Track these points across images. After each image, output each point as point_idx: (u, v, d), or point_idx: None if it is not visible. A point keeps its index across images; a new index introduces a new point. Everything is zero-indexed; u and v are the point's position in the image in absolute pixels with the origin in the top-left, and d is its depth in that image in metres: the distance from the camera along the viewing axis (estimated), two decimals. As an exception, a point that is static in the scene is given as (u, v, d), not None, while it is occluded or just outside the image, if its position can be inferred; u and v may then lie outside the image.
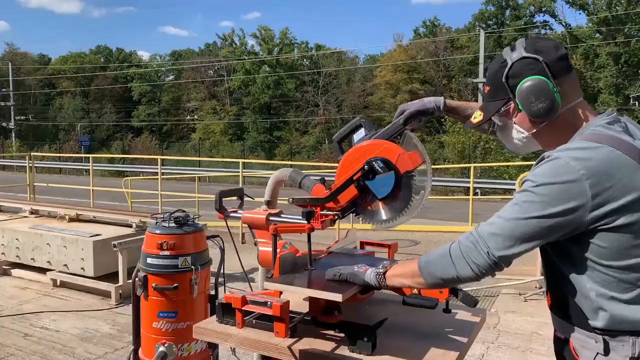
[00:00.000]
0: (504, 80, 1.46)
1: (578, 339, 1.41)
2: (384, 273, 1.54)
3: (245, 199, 2.31)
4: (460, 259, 1.36)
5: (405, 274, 1.50)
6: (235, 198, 2.28)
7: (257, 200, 2.23)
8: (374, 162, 1.68)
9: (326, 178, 1.92)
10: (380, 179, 1.68)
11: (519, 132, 1.50)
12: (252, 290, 2.08)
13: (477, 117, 1.56)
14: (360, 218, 1.81)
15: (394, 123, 1.78)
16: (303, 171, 2.20)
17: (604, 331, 1.34)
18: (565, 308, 1.43)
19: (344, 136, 1.89)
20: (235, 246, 2.24)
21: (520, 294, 5.73)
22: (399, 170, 1.67)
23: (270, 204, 2.16)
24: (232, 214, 2.16)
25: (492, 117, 1.53)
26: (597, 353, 1.36)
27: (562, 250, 1.35)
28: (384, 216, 1.76)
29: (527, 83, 1.41)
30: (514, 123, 1.50)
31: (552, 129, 1.45)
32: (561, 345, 1.51)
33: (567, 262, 1.38)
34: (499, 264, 1.33)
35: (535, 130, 1.47)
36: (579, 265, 1.36)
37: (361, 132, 1.82)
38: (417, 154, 1.69)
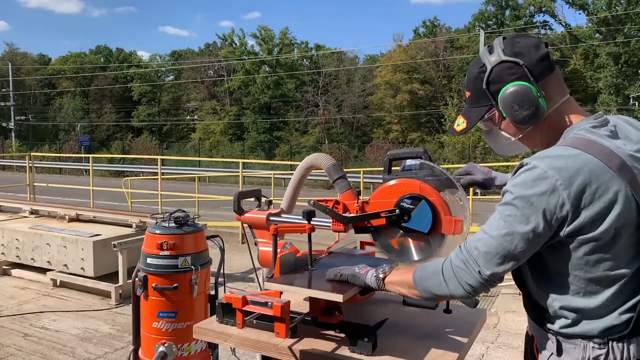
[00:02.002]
0: (484, 87, 1.41)
1: (539, 337, 1.45)
2: (383, 279, 1.54)
3: (263, 199, 2.29)
4: (452, 279, 1.35)
5: (402, 284, 1.49)
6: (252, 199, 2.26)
7: (275, 201, 2.20)
8: (402, 204, 1.65)
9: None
10: (416, 214, 1.64)
11: (505, 138, 1.48)
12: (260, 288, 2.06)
13: (461, 124, 1.51)
14: (376, 246, 1.79)
15: (452, 178, 1.70)
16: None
17: (559, 333, 1.36)
18: (531, 308, 1.46)
19: (399, 157, 1.82)
20: (249, 247, 2.22)
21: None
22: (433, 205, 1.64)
23: (294, 193, 2.13)
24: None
25: (477, 124, 1.49)
26: (552, 353, 1.38)
27: (535, 257, 1.34)
28: (415, 256, 1.73)
29: (509, 90, 1.37)
30: (499, 129, 1.47)
31: (539, 131, 1.42)
32: (529, 342, 1.55)
33: (538, 268, 1.38)
34: (490, 282, 1.33)
35: (521, 135, 1.44)
36: (548, 273, 1.36)
37: (416, 163, 1.74)
38: (461, 223, 1.63)
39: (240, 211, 2.09)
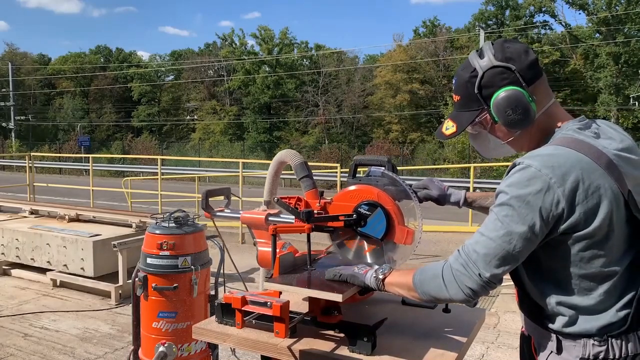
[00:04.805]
0: (476, 91, 1.43)
1: (537, 336, 1.46)
2: (383, 280, 1.54)
3: (232, 198, 2.34)
4: (452, 283, 1.36)
5: (402, 285, 1.50)
6: (222, 197, 2.32)
7: (245, 199, 2.26)
8: (359, 209, 1.73)
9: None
10: (372, 220, 1.71)
11: (494, 141, 1.50)
12: (246, 289, 2.10)
13: (450, 128, 1.52)
14: (332, 245, 1.86)
15: (409, 190, 1.74)
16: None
17: (559, 332, 1.37)
18: (528, 307, 1.47)
19: (364, 163, 1.90)
20: (224, 244, 2.26)
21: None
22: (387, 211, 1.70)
23: (272, 187, 2.18)
24: (218, 214, 2.19)
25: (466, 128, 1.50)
26: (551, 351, 1.40)
27: (529, 256, 1.35)
28: (367, 259, 1.79)
29: (501, 95, 1.38)
30: (489, 132, 1.49)
31: (527, 134, 1.44)
32: (525, 341, 1.56)
33: (533, 266, 1.39)
34: (491, 283, 1.33)
35: (511, 139, 1.46)
36: (543, 271, 1.38)
37: (378, 170, 1.81)
38: (413, 234, 1.69)
39: (208, 209, 2.15)
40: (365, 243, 1.78)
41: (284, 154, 2.13)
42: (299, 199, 1.87)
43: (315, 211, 1.81)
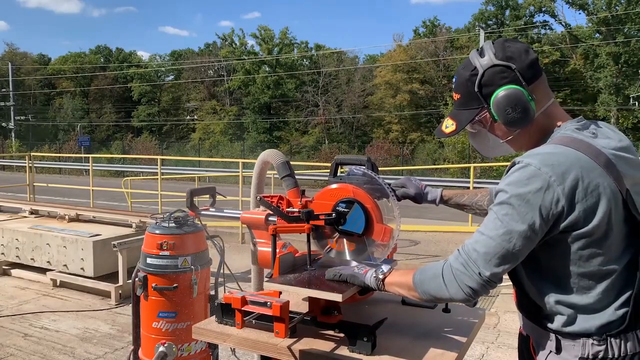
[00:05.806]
0: (476, 90, 1.43)
1: (536, 336, 1.46)
2: (383, 280, 1.54)
3: (218, 197, 2.37)
4: (452, 282, 1.36)
5: (402, 285, 1.50)
6: (207, 196, 2.35)
7: (230, 199, 2.30)
8: (337, 208, 1.77)
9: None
10: (350, 217, 1.75)
11: (493, 140, 1.50)
12: (240, 288, 2.12)
13: (450, 126, 1.52)
14: (314, 244, 1.89)
15: (387, 188, 1.77)
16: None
17: (557, 332, 1.38)
18: (526, 306, 1.47)
19: (345, 163, 1.94)
20: (219, 244, 2.27)
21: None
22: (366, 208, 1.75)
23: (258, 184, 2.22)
24: (203, 212, 2.21)
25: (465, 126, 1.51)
26: (550, 351, 1.40)
27: (528, 254, 1.35)
28: (347, 256, 1.83)
29: (501, 93, 1.39)
30: (489, 131, 1.49)
31: (526, 133, 1.44)
32: (523, 341, 1.56)
33: (532, 265, 1.39)
34: (491, 282, 1.33)
35: (510, 137, 1.46)
36: (542, 270, 1.38)
37: (359, 169, 1.85)
38: (390, 232, 1.72)
39: (193, 208, 2.19)
40: (345, 241, 1.82)
41: (267, 154, 2.18)
42: (280, 198, 1.91)
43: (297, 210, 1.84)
